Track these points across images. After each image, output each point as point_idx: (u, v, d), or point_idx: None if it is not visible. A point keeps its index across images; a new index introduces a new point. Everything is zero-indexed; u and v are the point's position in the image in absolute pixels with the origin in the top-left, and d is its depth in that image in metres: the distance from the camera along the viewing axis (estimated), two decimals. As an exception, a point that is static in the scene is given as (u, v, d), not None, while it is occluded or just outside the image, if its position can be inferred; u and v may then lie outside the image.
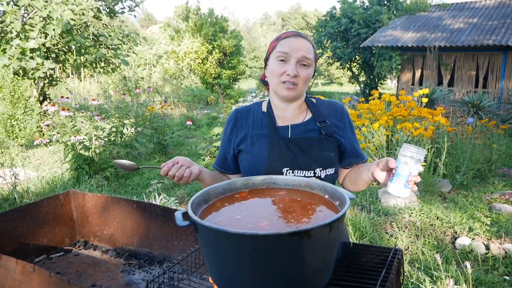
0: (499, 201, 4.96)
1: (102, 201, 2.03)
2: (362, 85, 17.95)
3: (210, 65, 17.76)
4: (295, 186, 1.27)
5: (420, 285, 3.03)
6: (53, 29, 8.30)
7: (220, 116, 8.97)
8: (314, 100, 1.71)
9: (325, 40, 18.28)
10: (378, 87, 17.55)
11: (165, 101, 10.23)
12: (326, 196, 1.18)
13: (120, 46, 10.06)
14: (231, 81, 18.22)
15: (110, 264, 1.84)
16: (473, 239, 4.05)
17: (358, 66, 18.31)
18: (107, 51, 9.89)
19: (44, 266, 1.84)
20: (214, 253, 0.97)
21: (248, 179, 1.29)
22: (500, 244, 3.87)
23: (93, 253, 1.97)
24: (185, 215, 1.04)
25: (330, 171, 1.55)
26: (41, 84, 9.73)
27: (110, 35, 9.96)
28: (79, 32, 9.16)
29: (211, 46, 17.83)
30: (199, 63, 17.88)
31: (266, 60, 1.62)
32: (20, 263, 1.37)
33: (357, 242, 4.01)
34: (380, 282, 1.01)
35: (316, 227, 0.88)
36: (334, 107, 1.68)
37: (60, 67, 10.15)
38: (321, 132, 1.58)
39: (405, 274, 3.29)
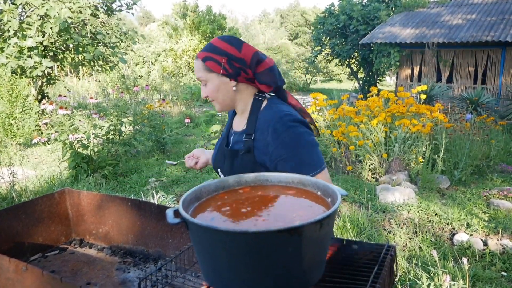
0: (497, 197, 4.97)
1: (97, 199, 2.03)
2: (361, 82, 17.93)
3: (209, 63, 17.74)
4: (288, 183, 1.27)
5: (417, 281, 3.03)
6: (51, 28, 8.28)
7: (218, 114, 8.96)
8: (264, 105, 1.56)
9: (324, 37, 18.26)
10: (377, 84, 17.52)
11: (163, 99, 10.22)
12: (319, 193, 1.17)
13: (118, 44, 10.04)
14: (229, 78, 18.21)
15: (105, 262, 1.84)
16: (471, 235, 4.06)
17: (357, 63, 18.29)
18: (105, 49, 9.87)
19: (39, 265, 1.83)
20: (204, 250, 0.97)
21: (240, 176, 1.28)
22: (498, 240, 3.87)
23: (88, 251, 1.97)
24: (177, 213, 1.04)
25: None
26: (39, 82, 9.71)
27: (108, 33, 9.94)
28: (77, 30, 9.14)
29: (210, 43, 17.82)
30: (197, 60, 17.87)
31: None
32: (13, 261, 1.36)
33: (355, 239, 4.02)
34: (372, 279, 1.01)
35: (307, 224, 0.87)
36: (266, 120, 1.50)
37: (58, 65, 10.13)
38: (244, 145, 1.51)
39: (403, 270, 3.29)
